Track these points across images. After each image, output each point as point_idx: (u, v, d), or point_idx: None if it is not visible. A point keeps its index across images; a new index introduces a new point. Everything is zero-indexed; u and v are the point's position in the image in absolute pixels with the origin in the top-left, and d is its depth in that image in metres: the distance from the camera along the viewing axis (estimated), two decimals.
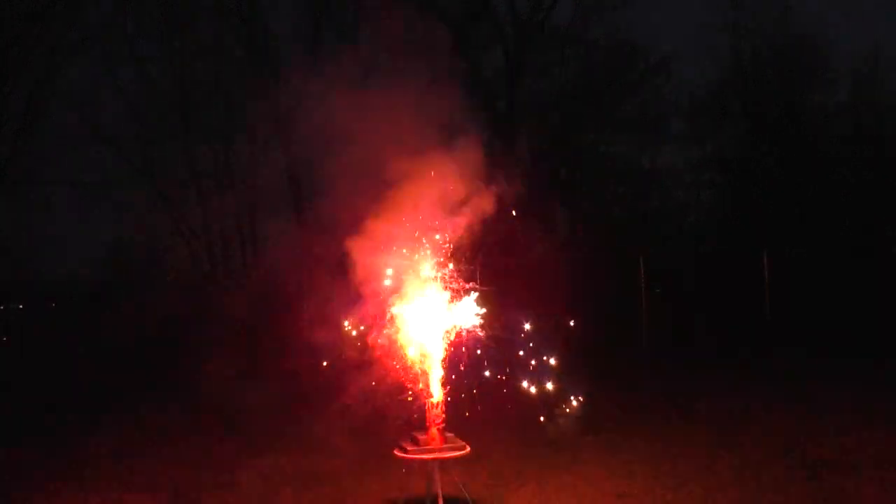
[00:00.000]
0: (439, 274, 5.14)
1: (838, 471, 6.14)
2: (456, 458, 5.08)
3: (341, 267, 5.14)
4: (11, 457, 7.92)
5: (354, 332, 5.16)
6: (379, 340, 5.09)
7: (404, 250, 5.09)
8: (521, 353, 5.19)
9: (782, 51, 20.54)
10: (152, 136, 19.70)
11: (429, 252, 5.15)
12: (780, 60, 20.55)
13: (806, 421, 8.03)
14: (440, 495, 4.99)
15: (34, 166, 18.73)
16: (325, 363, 5.34)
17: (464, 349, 5.17)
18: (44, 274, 21.81)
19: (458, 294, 5.15)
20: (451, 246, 5.16)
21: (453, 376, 5.18)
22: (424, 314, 5.13)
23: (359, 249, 5.04)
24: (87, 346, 17.44)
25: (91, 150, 19.60)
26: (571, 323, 6.22)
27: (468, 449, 5.07)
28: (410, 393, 5.12)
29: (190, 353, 14.01)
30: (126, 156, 19.49)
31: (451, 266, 5.16)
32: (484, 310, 5.15)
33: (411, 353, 5.14)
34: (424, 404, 5.07)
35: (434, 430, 5.04)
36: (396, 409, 5.13)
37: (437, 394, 5.11)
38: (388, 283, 5.06)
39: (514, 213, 5.35)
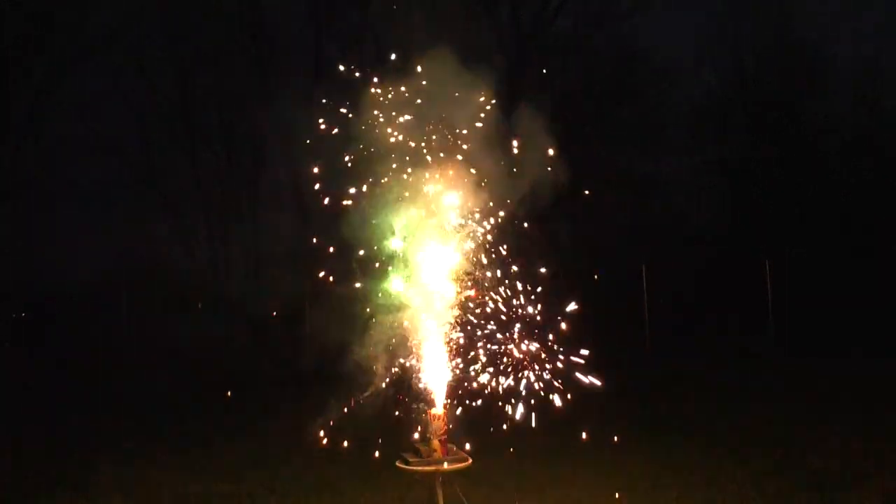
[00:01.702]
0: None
1: (843, 482, 6.11)
2: (458, 470, 5.06)
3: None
4: (11, 462, 7.91)
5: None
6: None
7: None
8: None
9: (783, 57, 20.58)
10: (155, 143, 19.79)
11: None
12: (781, 66, 20.58)
13: (810, 430, 8.00)
14: None
15: (37, 173, 18.83)
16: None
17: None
18: (46, 280, 21.87)
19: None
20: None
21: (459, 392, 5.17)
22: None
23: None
24: (88, 350, 17.45)
25: (94, 158, 19.72)
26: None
27: (470, 461, 5.04)
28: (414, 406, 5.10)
29: (194, 356, 14.03)
30: (129, 163, 19.60)
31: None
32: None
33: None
34: (428, 415, 5.05)
35: (436, 442, 5.02)
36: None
37: (440, 405, 5.09)
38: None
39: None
